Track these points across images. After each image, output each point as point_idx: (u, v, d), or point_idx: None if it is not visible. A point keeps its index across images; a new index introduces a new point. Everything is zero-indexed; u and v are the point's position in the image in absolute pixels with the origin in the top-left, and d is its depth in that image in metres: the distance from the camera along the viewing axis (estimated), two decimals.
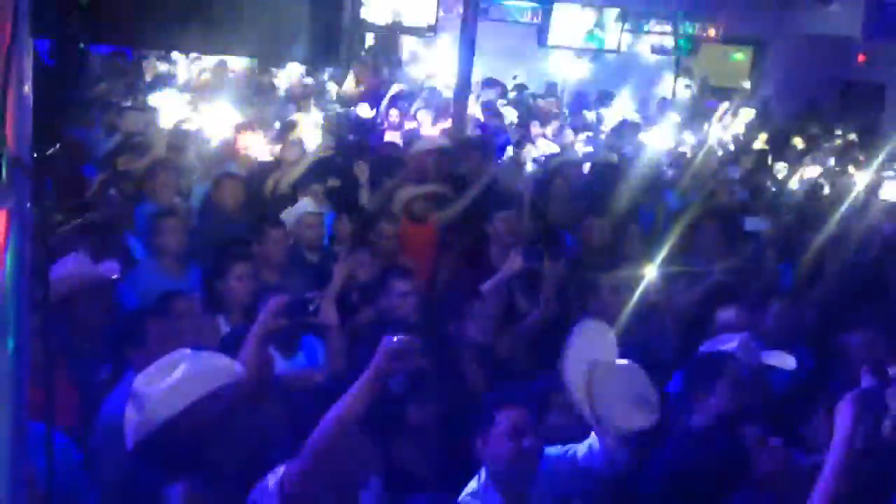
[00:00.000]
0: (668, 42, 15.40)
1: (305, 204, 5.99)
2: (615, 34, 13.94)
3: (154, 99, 8.66)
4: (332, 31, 1.93)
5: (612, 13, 13.90)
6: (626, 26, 14.24)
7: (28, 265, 1.52)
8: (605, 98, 14.33)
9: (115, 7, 1.63)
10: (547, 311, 4.97)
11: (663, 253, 5.06)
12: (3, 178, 1.40)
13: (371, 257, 5.33)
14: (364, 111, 10.68)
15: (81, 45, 1.62)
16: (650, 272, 4.61)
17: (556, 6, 13.70)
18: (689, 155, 9.43)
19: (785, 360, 3.90)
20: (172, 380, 2.93)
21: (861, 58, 15.79)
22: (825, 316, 5.34)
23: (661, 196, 7.34)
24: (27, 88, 1.41)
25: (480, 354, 4.60)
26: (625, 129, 10.46)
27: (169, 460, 2.90)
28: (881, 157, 9.50)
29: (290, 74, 11.66)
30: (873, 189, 8.53)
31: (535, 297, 5.13)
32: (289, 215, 5.83)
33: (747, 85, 16.24)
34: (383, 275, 4.98)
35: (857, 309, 5.36)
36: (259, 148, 7.60)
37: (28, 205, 1.46)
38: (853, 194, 8.10)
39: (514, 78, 14.79)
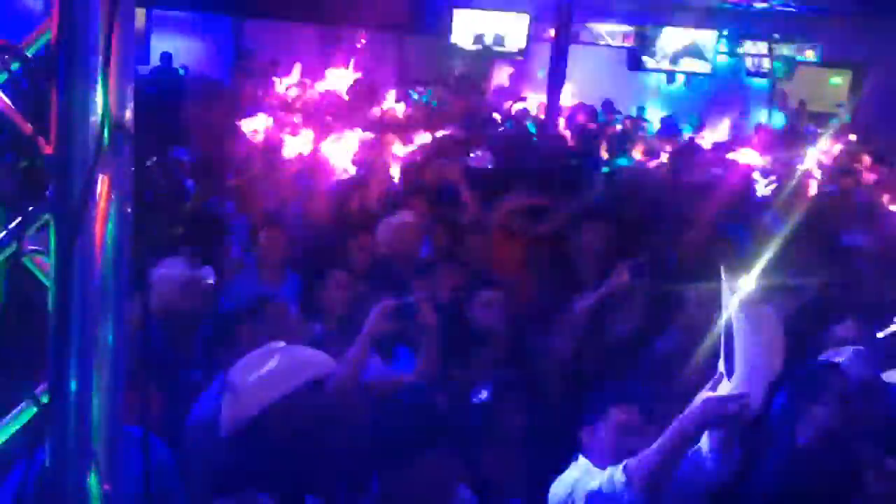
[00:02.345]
0: (765, 65, 15.09)
1: (404, 215, 6.00)
2: (710, 57, 13.73)
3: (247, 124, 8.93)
4: None
5: (707, 35, 13.69)
6: (722, 49, 14.02)
7: (128, 233, 1.54)
8: (694, 123, 14.14)
9: None
10: (636, 325, 4.88)
11: (757, 268, 4.90)
12: (106, 143, 1.43)
13: (459, 268, 5.33)
14: None
15: (181, 71, 1.65)
16: (744, 285, 4.47)
17: (650, 28, 13.61)
18: (784, 173, 9.22)
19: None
20: (266, 371, 2.98)
21: None
22: None
23: (756, 214, 7.17)
24: (129, 56, 1.45)
25: (565, 368, 4.54)
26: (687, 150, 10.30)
27: (263, 453, 2.93)
28: None
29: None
30: None
31: (622, 311, 5.04)
32: (386, 226, 5.87)
33: (846, 110, 15.81)
34: (470, 285, 4.97)
35: None
36: (343, 163, 7.77)
37: (129, 170, 1.49)
38: None
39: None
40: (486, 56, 14.03)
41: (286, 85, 12.16)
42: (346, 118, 9.84)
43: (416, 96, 12.57)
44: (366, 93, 11.88)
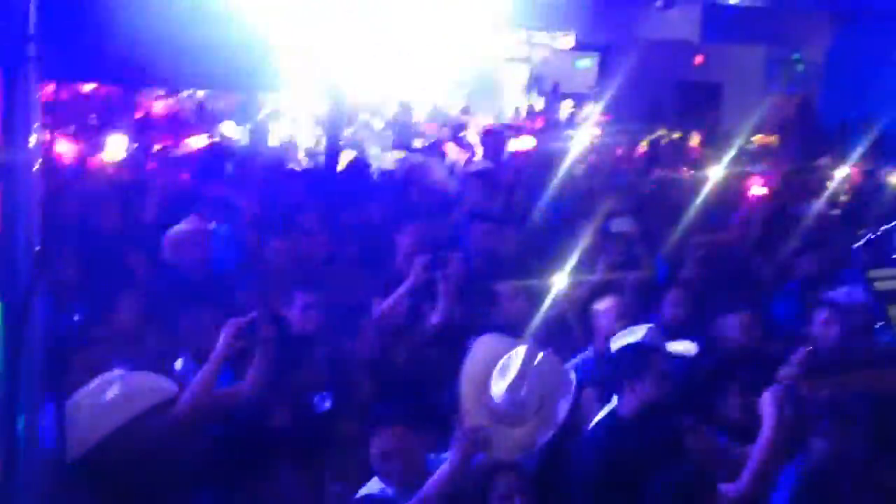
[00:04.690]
0: (522, 49, 15.92)
1: (192, 222, 5.92)
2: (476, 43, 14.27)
3: None
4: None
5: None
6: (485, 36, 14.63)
7: None
8: (464, 106, 14.71)
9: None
10: (444, 317, 5.10)
11: (558, 261, 5.30)
12: None
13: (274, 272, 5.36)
14: None
15: None
16: (558, 281, 4.85)
17: None
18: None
19: (687, 348, 4.21)
20: (107, 398, 2.96)
21: (698, 60, 16.79)
22: (698, 304, 5.70)
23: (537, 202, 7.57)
24: None
25: (374, 368, 4.66)
26: (491, 137, 10.75)
27: (106, 481, 2.90)
28: (729, 155, 10.17)
29: None
30: (728, 183, 9.11)
31: (430, 303, 5.25)
32: (174, 233, 5.78)
33: (595, 89, 16.98)
34: (286, 288, 5.03)
35: (727, 296, 5.75)
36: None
37: None
38: (707, 190, 8.65)
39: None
40: None
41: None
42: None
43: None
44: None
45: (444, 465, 3.17)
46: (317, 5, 7.69)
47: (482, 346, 3.61)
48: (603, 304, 4.89)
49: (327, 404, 3.85)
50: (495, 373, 3.40)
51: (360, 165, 9.11)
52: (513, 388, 3.28)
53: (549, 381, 3.38)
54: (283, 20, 2.64)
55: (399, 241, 5.83)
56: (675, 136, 13.82)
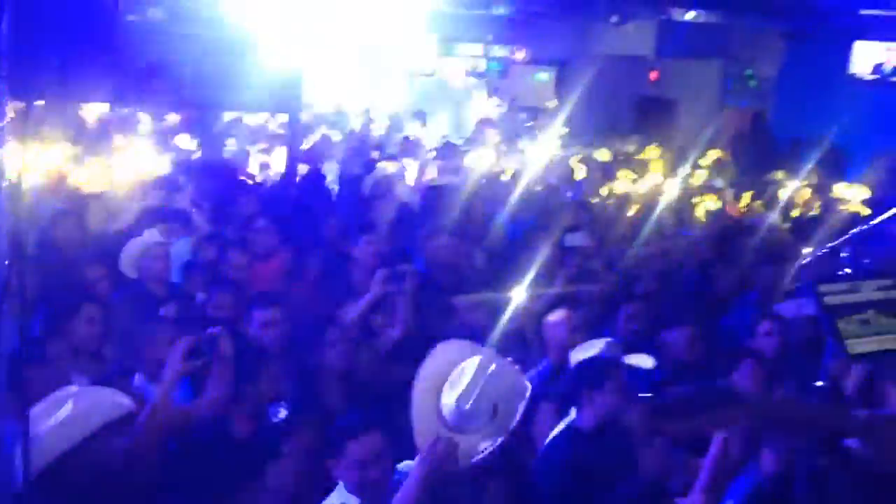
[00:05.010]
0: (481, 65, 16.03)
1: (151, 235, 5.88)
2: (429, 58, 14.35)
3: None
4: None
5: (427, 38, 14.31)
6: (440, 50, 14.71)
7: None
8: (419, 118, 14.71)
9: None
10: (403, 331, 5.13)
11: (516, 275, 5.35)
12: None
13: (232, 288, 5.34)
14: None
15: None
16: (516, 294, 4.90)
17: None
18: (510, 175, 9.87)
19: (643, 361, 4.28)
20: (64, 415, 2.94)
21: (654, 75, 17.04)
22: (654, 317, 5.79)
23: (495, 217, 7.64)
24: None
25: (341, 379, 4.70)
26: (448, 150, 10.82)
27: (63, 498, 2.88)
28: (685, 169, 10.34)
29: None
30: (684, 198, 9.26)
31: (390, 316, 5.28)
32: (132, 247, 5.74)
33: (552, 103, 17.15)
34: (244, 306, 5.02)
35: (683, 309, 5.85)
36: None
37: None
38: (663, 204, 8.79)
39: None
40: None
41: None
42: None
43: None
44: None
45: (411, 477, 3.16)
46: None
47: (438, 354, 3.60)
48: (554, 317, 4.93)
49: (282, 414, 3.84)
50: (447, 383, 3.41)
51: (316, 178, 9.12)
52: (463, 398, 3.27)
53: (503, 390, 3.38)
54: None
55: (358, 254, 5.86)
56: (631, 149, 14.03)
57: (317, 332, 4.97)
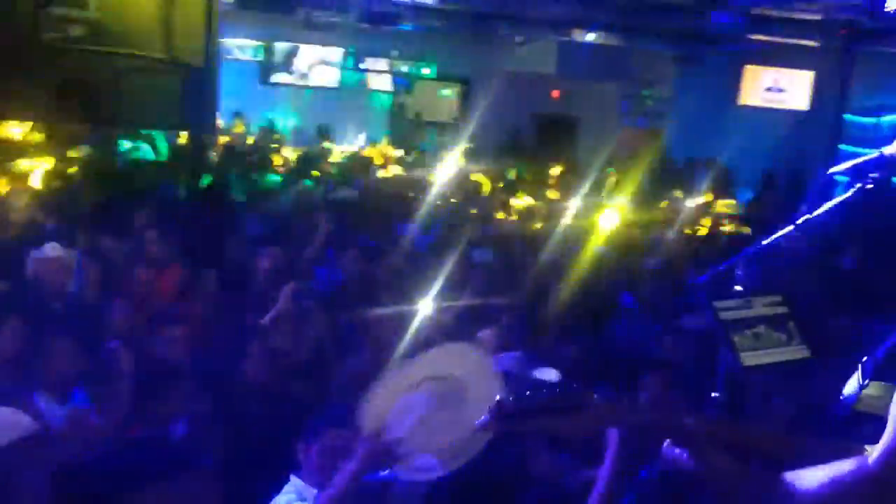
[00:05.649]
0: (386, 80, 16.12)
1: (52, 248, 5.74)
2: (336, 72, 14.35)
3: None
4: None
5: (333, 52, 14.29)
6: (347, 65, 14.72)
7: None
8: (325, 132, 14.69)
9: None
10: (313, 345, 5.14)
11: (425, 288, 5.43)
12: None
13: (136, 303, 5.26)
14: None
15: None
16: (425, 307, 4.97)
17: (276, 45, 13.90)
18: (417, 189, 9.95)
19: (549, 374, 4.38)
20: None
21: (556, 94, 17.43)
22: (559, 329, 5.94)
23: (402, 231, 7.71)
24: None
25: (264, 390, 4.68)
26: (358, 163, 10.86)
27: None
28: (585, 186, 10.62)
29: None
30: (582, 215, 9.51)
31: (298, 332, 5.28)
32: (38, 258, 5.60)
33: (457, 119, 17.36)
34: (153, 322, 4.96)
35: (582, 322, 6.02)
36: None
37: None
38: (565, 221, 9.03)
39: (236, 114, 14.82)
40: None
41: None
42: None
43: None
44: None
45: (344, 470, 3.15)
46: None
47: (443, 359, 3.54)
48: (483, 334, 5.03)
49: (182, 431, 3.81)
50: (393, 413, 3.40)
51: (221, 192, 9.02)
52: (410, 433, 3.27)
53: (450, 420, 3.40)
54: None
55: (258, 266, 5.85)
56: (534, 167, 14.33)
57: (221, 346, 4.94)
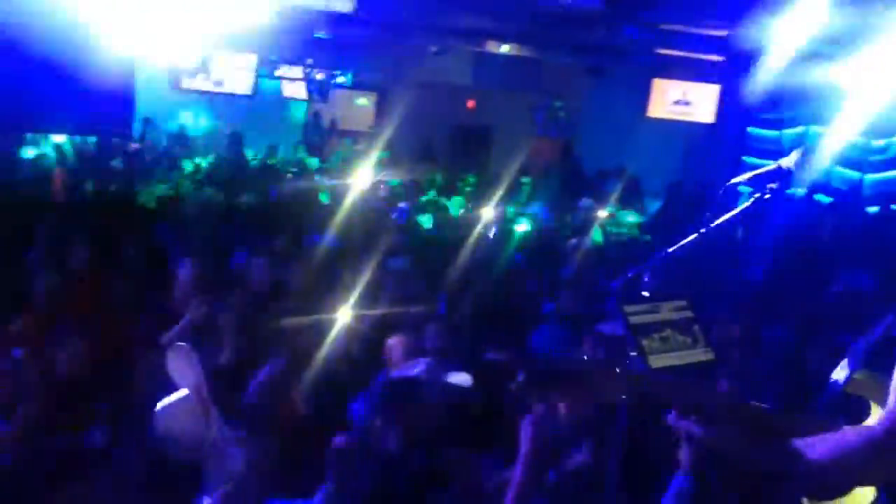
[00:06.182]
0: (301, 88, 16.03)
1: None
2: (250, 79, 14.16)
3: None
4: None
5: (248, 59, 14.11)
6: (262, 72, 14.57)
7: None
8: (237, 139, 14.50)
9: None
10: (231, 355, 5.09)
11: (341, 296, 5.44)
12: None
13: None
14: None
15: None
16: (341, 315, 4.97)
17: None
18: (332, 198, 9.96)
19: (463, 378, 4.43)
20: None
21: (470, 104, 17.62)
22: (475, 335, 6.01)
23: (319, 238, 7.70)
24: None
25: None
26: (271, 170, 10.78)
27: None
28: (499, 193, 10.76)
29: None
30: (499, 222, 9.64)
31: (216, 343, 5.23)
32: None
33: (373, 128, 17.39)
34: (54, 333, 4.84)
35: (496, 328, 6.10)
36: None
37: None
38: (481, 227, 9.14)
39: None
40: None
41: None
42: None
43: None
44: None
45: None
46: None
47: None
48: (393, 340, 5.04)
49: (99, 439, 3.76)
50: None
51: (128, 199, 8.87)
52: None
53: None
54: None
55: (178, 275, 5.77)
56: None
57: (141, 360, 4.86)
